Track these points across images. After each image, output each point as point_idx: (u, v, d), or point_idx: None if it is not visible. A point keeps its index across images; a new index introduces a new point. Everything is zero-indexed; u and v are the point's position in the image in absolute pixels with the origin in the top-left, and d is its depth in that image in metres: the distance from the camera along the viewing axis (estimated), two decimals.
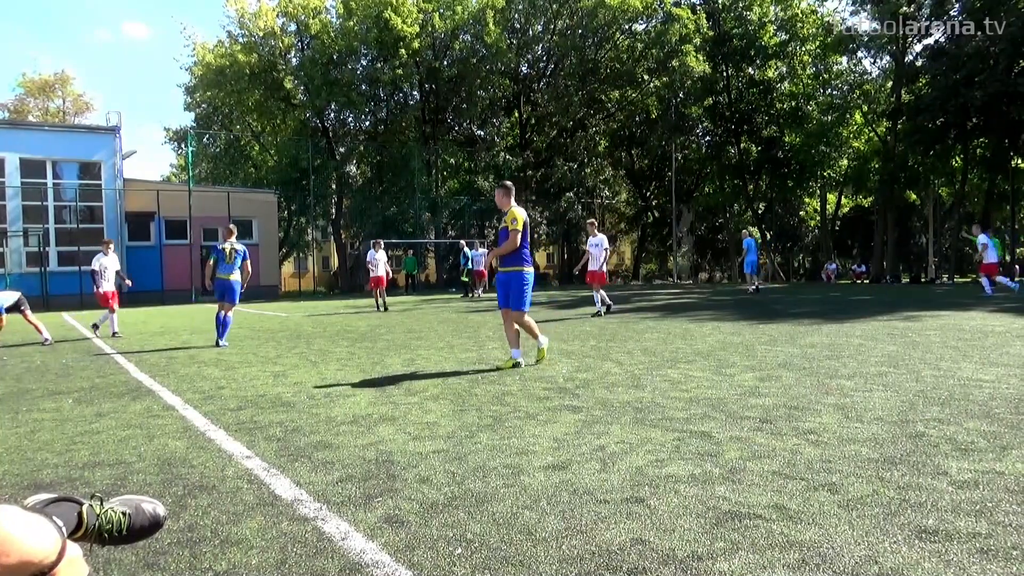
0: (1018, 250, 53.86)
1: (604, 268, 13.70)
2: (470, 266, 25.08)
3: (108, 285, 12.37)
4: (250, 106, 38.34)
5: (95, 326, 12.07)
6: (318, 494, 3.16)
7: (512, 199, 7.16)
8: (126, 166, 30.00)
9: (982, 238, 18.05)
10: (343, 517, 2.86)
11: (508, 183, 7.32)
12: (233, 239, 10.17)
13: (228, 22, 50.93)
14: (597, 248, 13.67)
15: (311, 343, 9.79)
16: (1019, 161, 36.72)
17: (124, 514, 1.69)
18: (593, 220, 14.36)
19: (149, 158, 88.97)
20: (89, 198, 27.63)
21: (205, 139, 41.84)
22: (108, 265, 12.45)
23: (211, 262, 10.30)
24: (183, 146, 41.12)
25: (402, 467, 3.54)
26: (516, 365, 6.88)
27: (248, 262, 10.05)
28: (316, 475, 3.44)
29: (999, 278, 18.54)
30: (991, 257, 18.05)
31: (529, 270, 7.08)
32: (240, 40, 36.20)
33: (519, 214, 6.98)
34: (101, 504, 1.67)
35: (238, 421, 4.73)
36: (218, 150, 43.00)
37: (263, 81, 35.79)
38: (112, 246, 13.10)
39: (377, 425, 4.48)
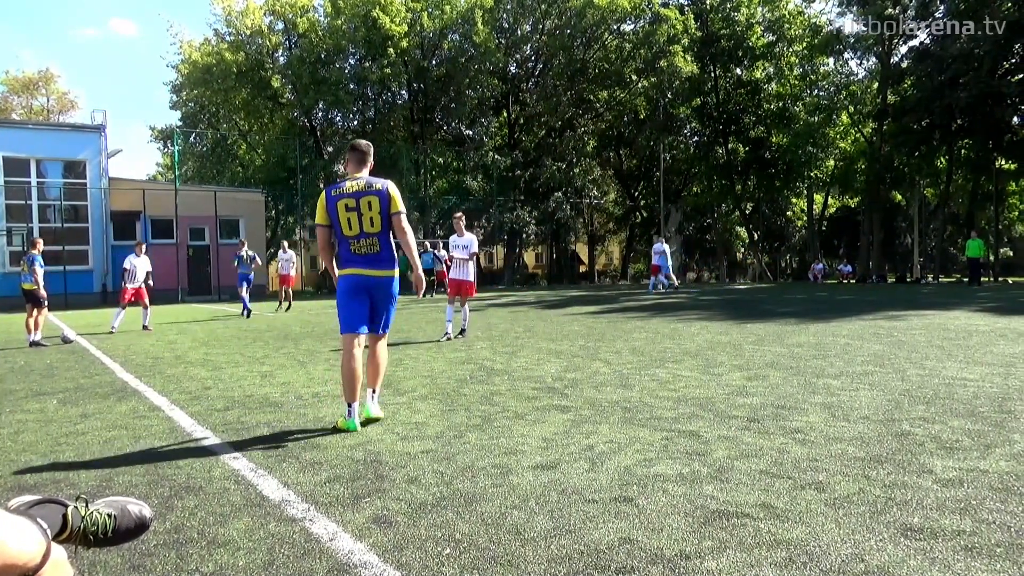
0: (1002, 250, 54.45)
1: (472, 277, 10.14)
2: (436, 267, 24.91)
3: (134, 283, 13.22)
4: (237, 105, 38.13)
5: (112, 328, 12.73)
6: (306, 495, 3.14)
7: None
8: (111, 165, 29.74)
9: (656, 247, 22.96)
10: (331, 518, 2.85)
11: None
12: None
13: (215, 20, 50.58)
14: (464, 251, 10.14)
15: (299, 343, 9.75)
16: (1003, 162, 37.06)
17: (110, 516, 1.68)
18: (461, 214, 10.52)
19: (135, 157, 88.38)
20: (74, 197, 27.38)
21: (192, 138, 41.55)
22: (138, 265, 13.35)
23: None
24: (169, 145, 40.82)
25: (390, 467, 3.53)
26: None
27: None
28: (304, 476, 3.43)
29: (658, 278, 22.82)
30: (657, 261, 22.67)
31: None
32: (227, 38, 36.00)
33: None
34: (86, 506, 1.65)
35: (225, 422, 4.70)
36: (205, 149, 42.73)
37: (250, 80, 35.59)
38: (144, 247, 13.96)
39: (365, 425, 4.47)
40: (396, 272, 4.75)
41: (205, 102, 39.16)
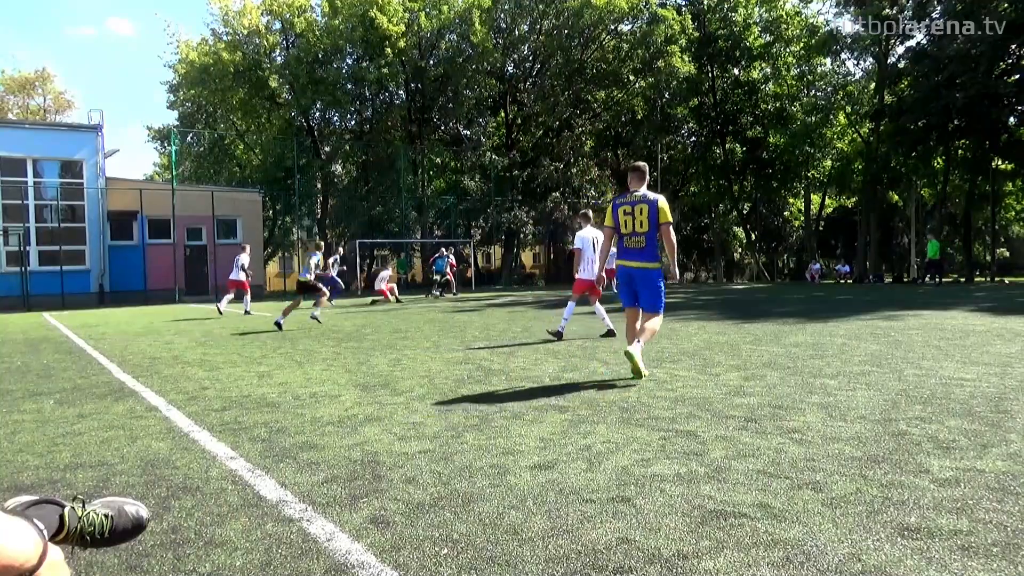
0: (999, 251, 54.47)
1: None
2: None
3: (241, 275, 17.51)
4: (234, 105, 38.11)
5: (219, 310, 16.69)
6: (303, 495, 3.14)
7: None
8: (108, 165, 29.76)
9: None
10: (328, 518, 2.85)
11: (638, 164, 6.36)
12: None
13: (212, 20, 50.67)
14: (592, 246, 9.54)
15: (296, 343, 9.74)
16: (1000, 162, 37.15)
17: (106, 516, 1.68)
18: (586, 211, 10.14)
19: (132, 157, 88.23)
20: (71, 197, 27.34)
21: (189, 138, 41.53)
22: (244, 261, 17.62)
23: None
24: (166, 145, 40.79)
25: (388, 467, 3.53)
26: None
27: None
28: (301, 476, 3.43)
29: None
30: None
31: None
32: (224, 38, 35.98)
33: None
34: (83, 506, 1.65)
35: (222, 422, 4.69)
36: (202, 149, 42.71)
37: (247, 79, 35.58)
38: (248, 248, 18.89)
39: (363, 425, 4.47)
40: (655, 264, 6.00)
41: (202, 102, 39.16)
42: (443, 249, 25.97)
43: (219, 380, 6.53)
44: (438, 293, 24.36)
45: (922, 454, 3.52)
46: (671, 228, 5.98)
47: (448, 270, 25.09)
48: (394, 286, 22.55)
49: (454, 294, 25.62)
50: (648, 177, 6.18)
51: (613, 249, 6.36)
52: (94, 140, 27.63)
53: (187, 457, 3.83)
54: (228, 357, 8.31)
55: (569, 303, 9.64)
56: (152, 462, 3.75)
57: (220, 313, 16.34)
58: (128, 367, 7.63)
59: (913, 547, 2.42)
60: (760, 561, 2.34)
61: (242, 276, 17.57)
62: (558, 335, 9.15)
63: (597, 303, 9.66)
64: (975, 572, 2.23)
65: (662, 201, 5.99)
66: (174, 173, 31.35)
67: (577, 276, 9.55)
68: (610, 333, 9.41)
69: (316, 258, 13.72)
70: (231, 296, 17.69)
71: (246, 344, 9.81)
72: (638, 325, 6.07)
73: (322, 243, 18.17)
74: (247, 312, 16.77)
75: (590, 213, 9.94)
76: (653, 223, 5.91)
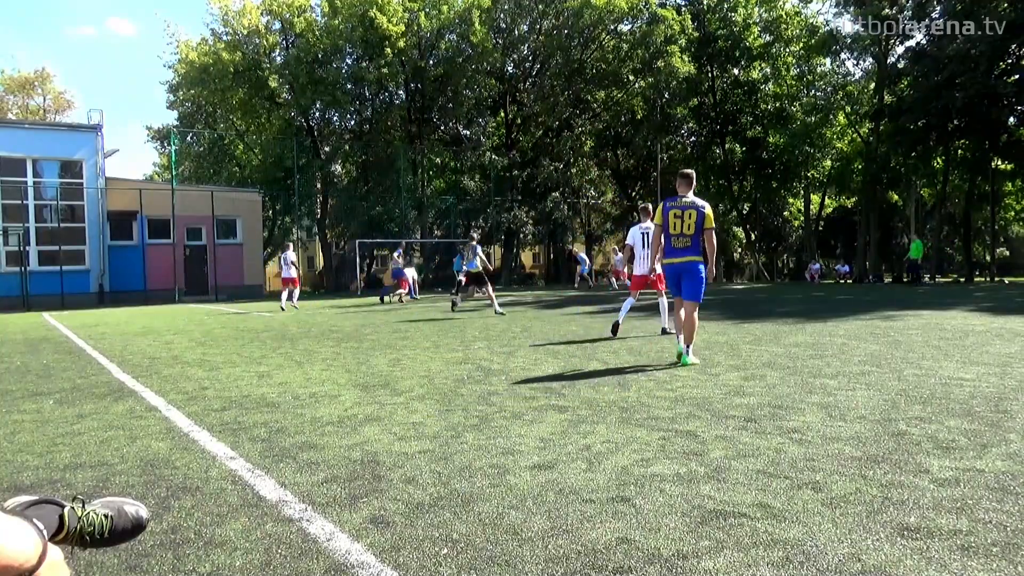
0: (999, 250, 54.47)
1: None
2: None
3: (292, 271, 18.55)
4: (234, 105, 38.08)
5: (281, 307, 17.93)
6: (303, 495, 3.14)
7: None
8: (108, 164, 29.78)
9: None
10: (328, 518, 2.85)
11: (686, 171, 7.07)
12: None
13: (212, 20, 50.64)
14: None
15: (296, 343, 9.74)
16: (999, 162, 37.14)
17: (106, 516, 1.68)
18: (647, 205, 10.03)
19: (132, 157, 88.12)
20: (70, 197, 27.33)
21: (188, 138, 41.50)
22: (292, 257, 18.90)
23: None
24: (166, 145, 40.78)
25: (388, 467, 3.53)
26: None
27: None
28: (301, 476, 3.43)
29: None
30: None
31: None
32: (224, 38, 35.95)
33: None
34: (83, 506, 1.65)
35: (222, 422, 4.69)
36: (202, 149, 42.68)
37: (247, 79, 35.56)
38: (291, 247, 20.01)
39: (362, 425, 4.47)
40: (698, 258, 6.74)
41: (202, 102, 39.14)
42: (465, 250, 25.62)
43: (219, 380, 6.53)
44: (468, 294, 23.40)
45: (922, 454, 3.52)
46: (714, 233, 6.83)
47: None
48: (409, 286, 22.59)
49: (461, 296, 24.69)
50: (695, 183, 6.90)
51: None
52: (94, 140, 27.62)
53: (187, 457, 3.83)
54: (228, 357, 8.32)
55: (627, 299, 9.67)
56: (152, 462, 3.75)
57: (283, 310, 17.66)
58: (128, 367, 7.63)
59: (913, 547, 2.42)
60: (760, 561, 2.34)
61: (293, 272, 18.65)
62: (614, 329, 9.31)
63: (662, 297, 9.66)
64: (975, 572, 2.23)
65: (708, 209, 6.80)
66: (174, 173, 31.36)
67: (633, 274, 9.68)
68: (664, 331, 9.50)
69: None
70: (287, 292, 18.57)
71: (245, 344, 9.81)
72: (682, 314, 6.79)
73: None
74: (295, 307, 18.40)
75: (650, 207, 9.55)
76: (699, 227, 6.70)
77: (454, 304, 15.46)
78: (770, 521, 2.68)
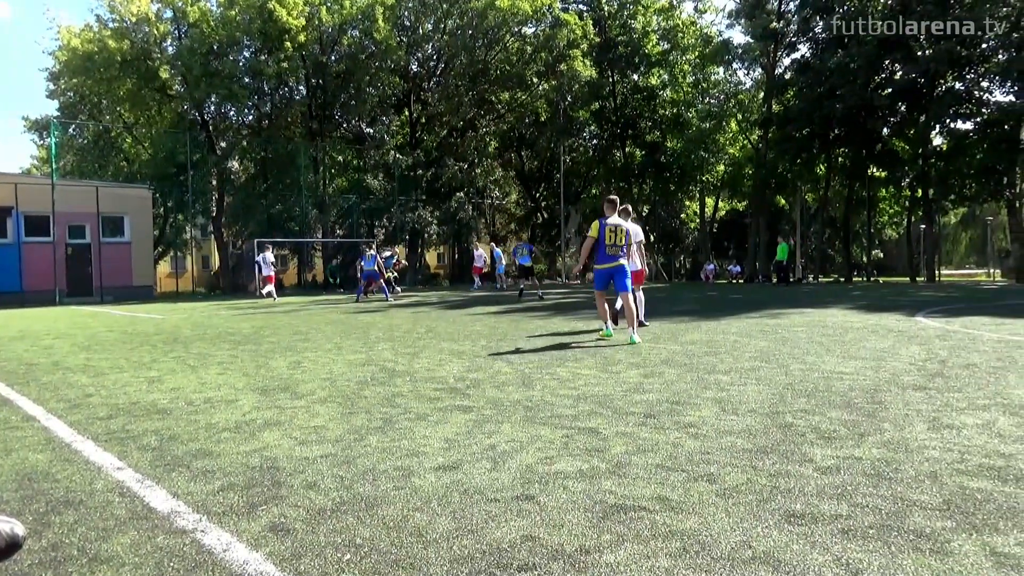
0: (874, 252, 58.27)
1: (639, 266, 10.03)
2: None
3: (270, 270, 22.03)
4: (121, 96, 36.01)
5: (269, 295, 21.87)
6: (197, 504, 3.02)
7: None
8: None
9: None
10: (225, 528, 2.75)
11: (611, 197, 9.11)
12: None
13: (97, 5, 47.81)
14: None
15: (189, 346, 9.33)
16: (875, 170, 39.78)
17: None
18: (626, 205, 9.83)
19: (7, 149, 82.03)
20: None
21: (71, 129, 39.00)
22: (270, 257, 22.21)
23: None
24: (45, 136, 38.19)
25: (288, 473, 3.44)
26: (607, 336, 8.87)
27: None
28: (195, 485, 3.29)
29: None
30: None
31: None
32: (110, 25, 33.95)
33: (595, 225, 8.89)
34: None
35: (108, 431, 4.44)
36: (85, 142, 40.21)
37: (136, 69, 33.71)
38: (270, 248, 23.34)
39: (261, 431, 4.33)
40: (625, 263, 8.85)
41: (86, 92, 36.83)
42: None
43: (104, 386, 6.17)
44: (527, 289, 22.16)
45: (806, 444, 3.73)
46: (643, 245, 9.84)
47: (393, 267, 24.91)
48: (389, 281, 23.00)
49: (393, 292, 23.91)
50: (619, 206, 9.06)
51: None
52: None
53: (69, 469, 3.60)
54: (114, 362, 7.87)
55: (638, 295, 9.72)
56: (29, 475, 3.51)
57: (275, 300, 21.31)
58: (2, 374, 7.10)
59: (798, 532, 2.56)
60: (659, 552, 2.42)
61: (271, 271, 22.10)
62: (615, 318, 9.95)
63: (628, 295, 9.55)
64: (854, 553, 2.39)
65: (635, 227, 9.49)
66: (54, 167, 29.33)
67: (632, 270, 9.28)
68: (616, 322, 9.77)
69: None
70: (271, 286, 22.02)
71: (134, 348, 9.32)
72: (618, 305, 9.30)
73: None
74: (274, 299, 21.78)
75: (617, 200, 9.17)
76: (627, 242, 8.86)
77: (521, 292, 19.96)
78: (668, 513, 2.78)
